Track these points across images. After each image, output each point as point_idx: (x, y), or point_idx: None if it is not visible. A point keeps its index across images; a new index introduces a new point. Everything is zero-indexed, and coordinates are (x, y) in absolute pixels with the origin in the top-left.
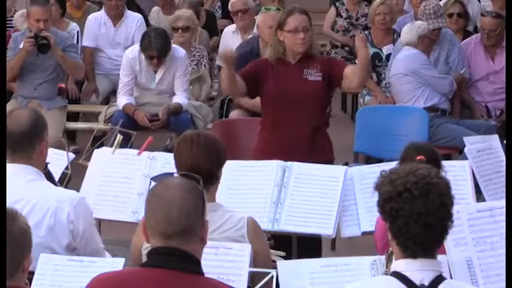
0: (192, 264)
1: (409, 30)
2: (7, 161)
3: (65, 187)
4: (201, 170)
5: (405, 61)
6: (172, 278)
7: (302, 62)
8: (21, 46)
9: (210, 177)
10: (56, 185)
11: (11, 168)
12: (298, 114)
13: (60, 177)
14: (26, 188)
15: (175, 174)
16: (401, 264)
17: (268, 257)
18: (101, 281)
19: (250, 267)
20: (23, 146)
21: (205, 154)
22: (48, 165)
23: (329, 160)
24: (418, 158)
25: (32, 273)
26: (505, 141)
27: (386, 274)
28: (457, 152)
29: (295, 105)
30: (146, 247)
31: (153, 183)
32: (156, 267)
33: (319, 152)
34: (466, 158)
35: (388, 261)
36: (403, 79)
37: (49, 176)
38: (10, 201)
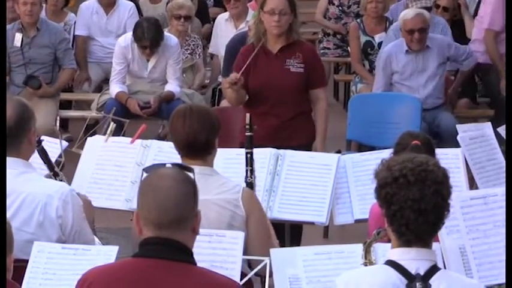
0: (184, 254)
1: None
2: None
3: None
4: (198, 142)
5: None
6: (164, 268)
7: (283, 51)
8: (16, 43)
9: (207, 147)
10: (50, 163)
11: None
12: (281, 103)
13: None
14: (14, 183)
15: (168, 165)
16: (396, 253)
17: (262, 222)
18: (94, 275)
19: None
20: (10, 139)
21: (199, 125)
22: (43, 143)
23: (311, 142)
24: (414, 142)
25: (25, 261)
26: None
27: (366, 265)
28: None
29: (277, 95)
30: None
31: (145, 175)
32: (147, 257)
33: (301, 136)
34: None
35: (367, 252)
36: None
37: (44, 154)
38: None
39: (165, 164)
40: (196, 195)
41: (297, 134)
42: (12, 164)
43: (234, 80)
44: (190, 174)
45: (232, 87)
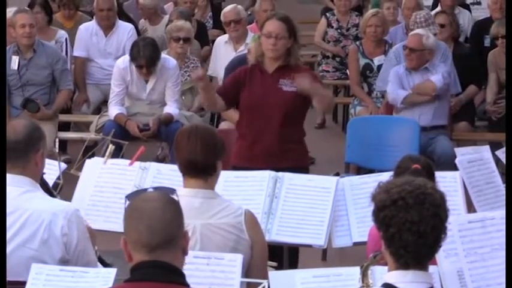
0: (176, 276)
1: None
2: None
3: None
4: (198, 161)
5: None
6: None
7: (279, 71)
8: (13, 66)
9: (207, 168)
10: (53, 194)
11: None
12: (272, 123)
13: (52, 187)
14: (19, 200)
15: (150, 189)
16: (393, 276)
17: (264, 247)
18: None
19: (246, 264)
20: (16, 155)
21: (202, 145)
22: (44, 176)
23: (303, 167)
24: (414, 166)
25: (23, 283)
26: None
27: None
28: None
29: (269, 114)
30: None
31: (127, 202)
32: (139, 281)
33: (292, 159)
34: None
35: (364, 275)
36: None
37: (45, 186)
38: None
39: (146, 189)
40: (181, 215)
41: (288, 155)
42: (17, 181)
43: (199, 75)
44: (174, 196)
45: (198, 83)
